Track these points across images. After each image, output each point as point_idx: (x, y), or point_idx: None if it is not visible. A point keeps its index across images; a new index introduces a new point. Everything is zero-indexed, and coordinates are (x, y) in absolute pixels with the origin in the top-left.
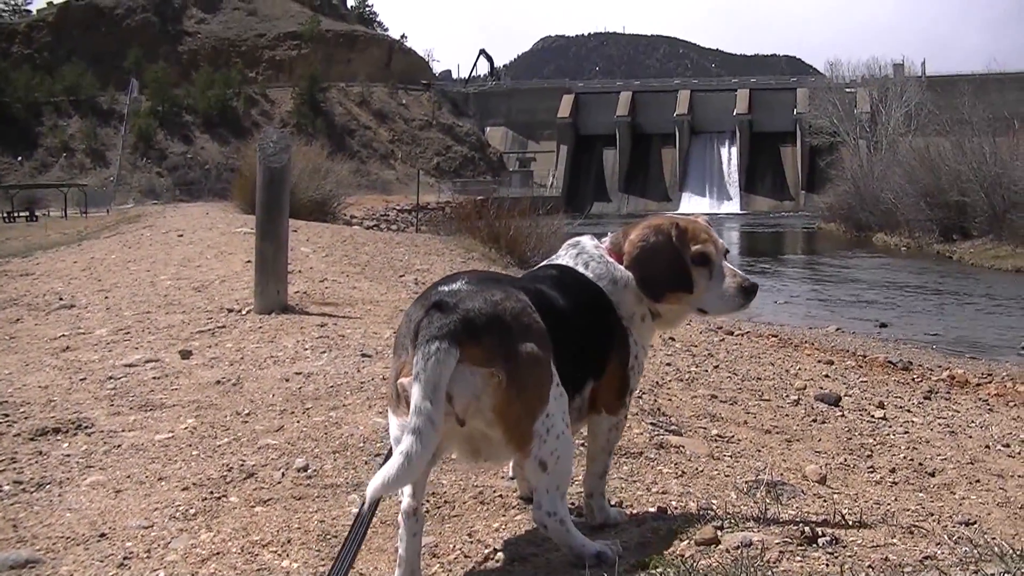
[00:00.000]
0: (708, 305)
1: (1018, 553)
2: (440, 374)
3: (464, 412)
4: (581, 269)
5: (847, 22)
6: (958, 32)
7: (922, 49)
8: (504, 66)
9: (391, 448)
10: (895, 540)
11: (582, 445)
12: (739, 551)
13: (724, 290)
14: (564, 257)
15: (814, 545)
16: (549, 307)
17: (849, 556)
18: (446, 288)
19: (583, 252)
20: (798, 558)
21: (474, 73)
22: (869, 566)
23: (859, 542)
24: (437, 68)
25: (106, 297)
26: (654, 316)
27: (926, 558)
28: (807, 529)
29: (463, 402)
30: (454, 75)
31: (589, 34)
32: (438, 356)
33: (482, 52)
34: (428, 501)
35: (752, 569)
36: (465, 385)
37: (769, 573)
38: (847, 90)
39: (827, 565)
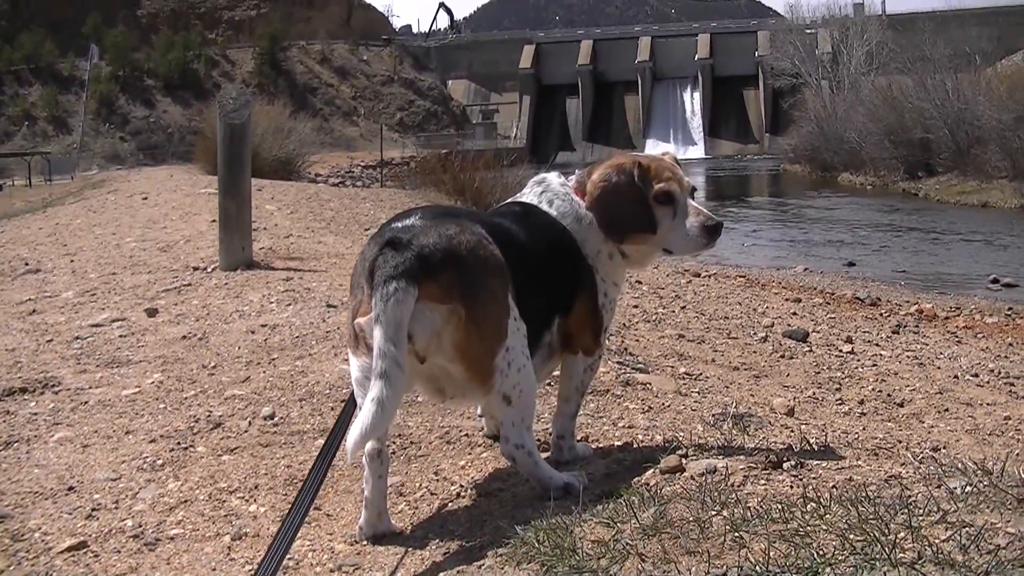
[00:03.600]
0: (673, 245)
1: (980, 467)
2: (401, 314)
3: (425, 350)
4: (545, 207)
5: None
6: None
7: None
8: (464, 19)
9: (352, 391)
10: (860, 462)
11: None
12: (704, 477)
13: (688, 230)
14: (529, 194)
15: (779, 469)
16: (508, 241)
17: (813, 478)
18: (399, 224)
19: (548, 190)
20: (762, 482)
21: (434, 27)
22: (833, 486)
23: (824, 465)
24: (397, 23)
25: (72, 261)
26: (623, 255)
27: (891, 477)
28: (772, 455)
29: (424, 340)
30: (414, 30)
31: None
32: (397, 296)
33: (441, 5)
34: (394, 442)
35: (716, 493)
36: (425, 323)
37: (733, 496)
38: (808, 31)
39: (791, 487)
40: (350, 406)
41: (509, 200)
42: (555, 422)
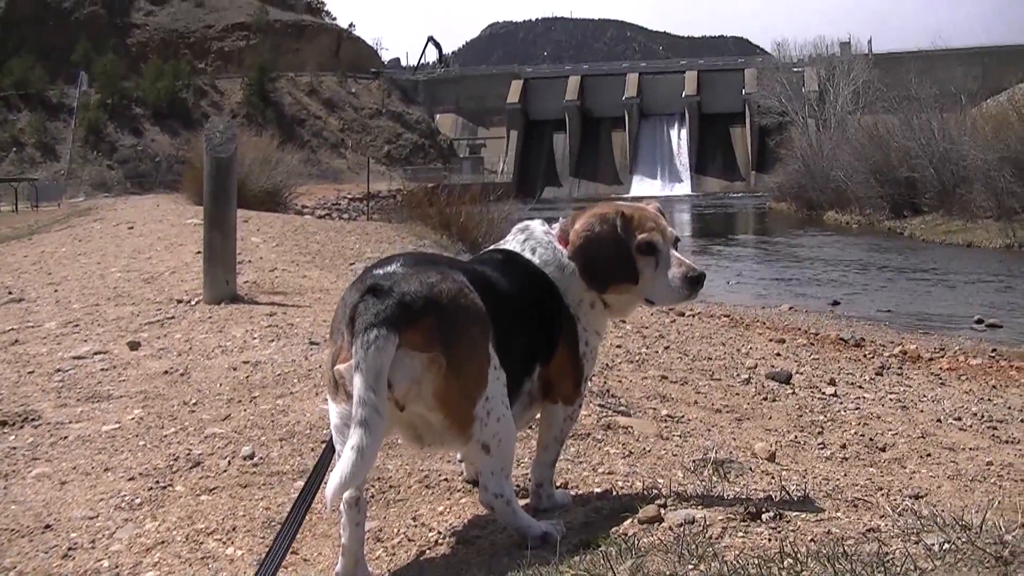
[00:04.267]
0: (654, 295)
1: (960, 523)
2: (381, 362)
3: (404, 397)
4: (528, 255)
5: (793, 2)
6: (903, 9)
7: (868, 27)
8: (452, 53)
9: (331, 437)
10: (839, 514)
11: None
12: (682, 528)
13: (670, 280)
14: (512, 242)
15: (758, 521)
16: (490, 289)
17: (792, 530)
18: (381, 271)
19: (531, 238)
20: (740, 534)
21: (423, 60)
22: (811, 540)
23: (803, 517)
24: (386, 56)
25: (56, 290)
26: (605, 304)
27: (869, 531)
28: (751, 505)
29: (403, 387)
30: (403, 63)
31: (537, 19)
32: (377, 344)
33: (430, 39)
34: (373, 485)
35: (694, 545)
36: (405, 371)
37: (711, 549)
38: (795, 69)
39: (769, 540)
40: (328, 451)
41: (492, 247)
42: (534, 470)
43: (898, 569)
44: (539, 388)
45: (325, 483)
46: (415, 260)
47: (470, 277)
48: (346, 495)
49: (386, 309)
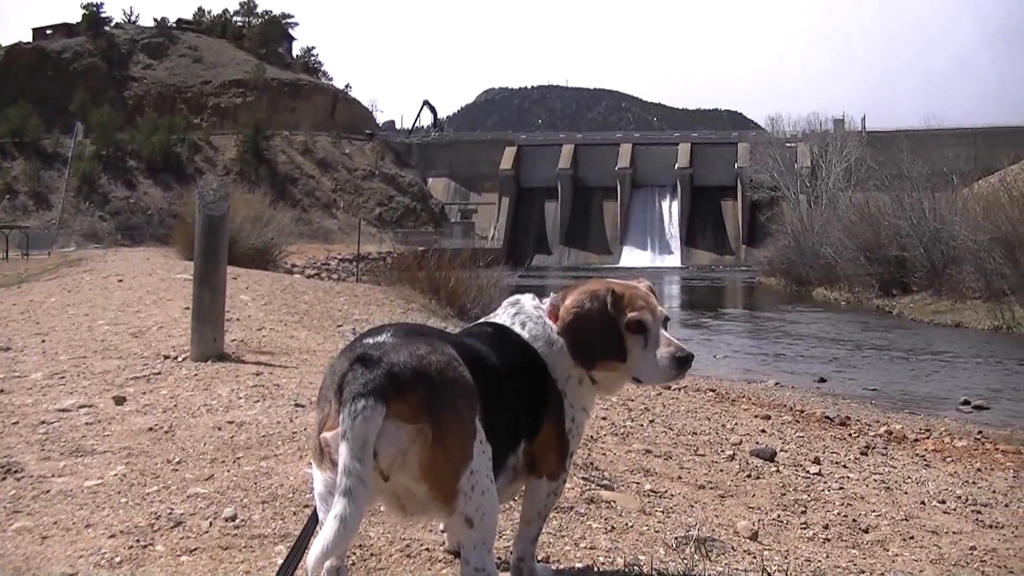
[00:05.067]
0: (641, 374)
1: None
2: (367, 432)
3: (389, 468)
4: (518, 329)
5: (788, 78)
6: (897, 88)
7: (862, 105)
8: (447, 117)
9: (316, 504)
10: None
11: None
12: None
13: (658, 360)
14: (502, 316)
15: None
16: (479, 362)
17: None
18: (371, 341)
19: (521, 312)
20: None
21: (417, 124)
22: None
23: None
24: (381, 118)
25: (43, 341)
26: (593, 380)
27: None
28: None
29: (388, 458)
30: (398, 126)
31: (532, 87)
32: (365, 414)
33: (426, 103)
34: (355, 552)
35: None
36: (391, 441)
37: None
38: (788, 145)
39: None
40: (313, 520)
41: (482, 320)
42: (516, 543)
43: None
44: (524, 463)
45: (307, 550)
46: (405, 331)
47: (459, 350)
48: (327, 564)
49: (374, 379)
